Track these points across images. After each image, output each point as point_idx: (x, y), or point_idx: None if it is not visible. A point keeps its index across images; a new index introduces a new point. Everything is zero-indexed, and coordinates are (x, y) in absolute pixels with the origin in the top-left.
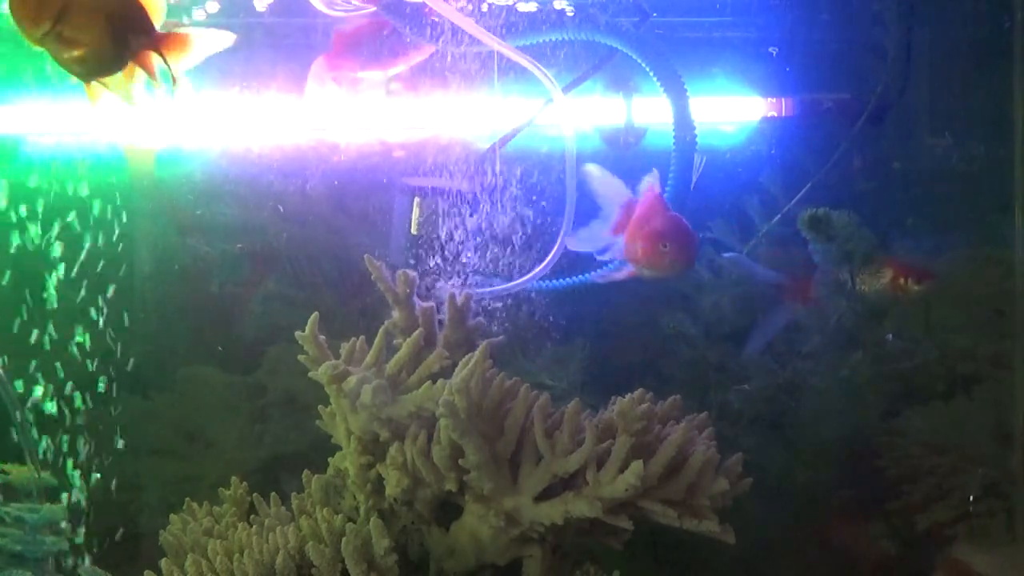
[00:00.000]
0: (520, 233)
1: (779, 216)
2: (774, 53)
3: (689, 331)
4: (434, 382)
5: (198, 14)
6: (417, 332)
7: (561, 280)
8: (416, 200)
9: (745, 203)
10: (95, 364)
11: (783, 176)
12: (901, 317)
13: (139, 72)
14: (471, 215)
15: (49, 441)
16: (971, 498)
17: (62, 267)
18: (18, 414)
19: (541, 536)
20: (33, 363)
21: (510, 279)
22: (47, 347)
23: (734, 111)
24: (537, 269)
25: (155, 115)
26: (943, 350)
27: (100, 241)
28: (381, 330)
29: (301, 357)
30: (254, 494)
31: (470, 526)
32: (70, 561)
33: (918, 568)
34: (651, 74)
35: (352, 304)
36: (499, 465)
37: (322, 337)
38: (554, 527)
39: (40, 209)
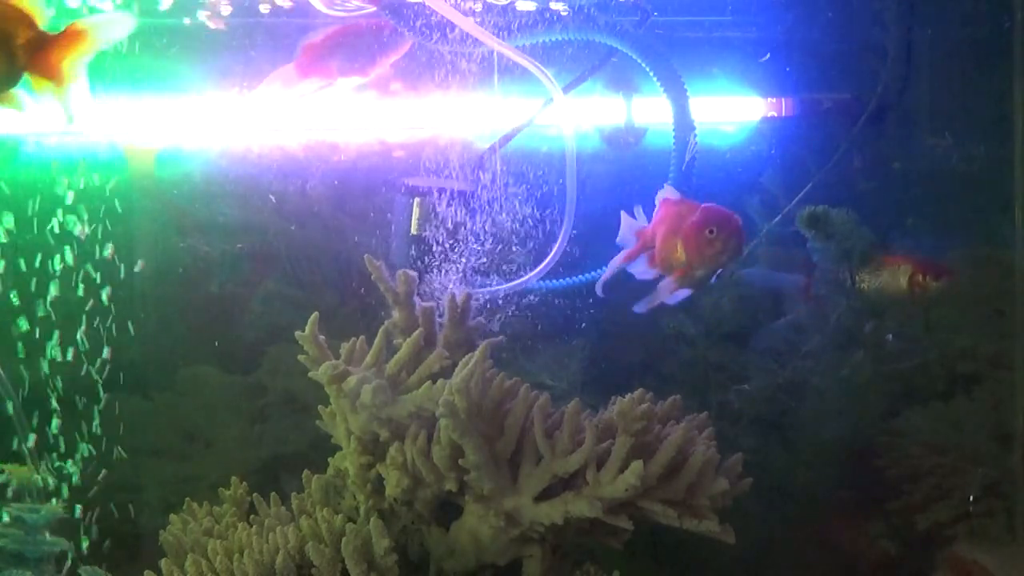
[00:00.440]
0: (520, 233)
1: (780, 216)
2: (766, 57)
3: (689, 331)
4: (434, 382)
5: (202, 15)
6: (417, 332)
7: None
8: (416, 200)
9: (745, 203)
10: (95, 364)
11: (783, 176)
12: (901, 317)
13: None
14: (471, 215)
15: (50, 440)
16: (971, 498)
17: (61, 267)
18: (17, 413)
19: (541, 536)
20: (32, 363)
21: (514, 278)
22: (46, 347)
23: (734, 111)
24: (537, 269)
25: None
26: (943, 350)
27: (100, 241)
28: (381, 330)
29: (301, 357)
30: (254, 494)
31: (470, 526)
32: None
33: (918, 568)
34: (651, 74)
35: (352, 304)
36: (499, 465)
37: (322, 337)
38: (554, 527)
39: (40, 209)
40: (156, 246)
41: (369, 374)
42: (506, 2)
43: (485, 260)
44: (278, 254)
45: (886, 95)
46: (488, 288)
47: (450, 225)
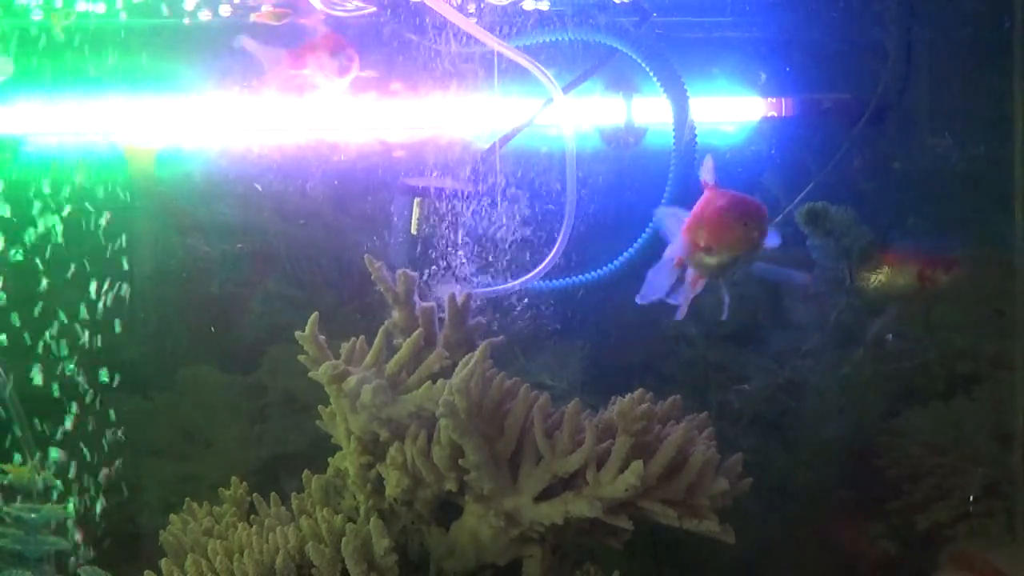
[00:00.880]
0: (521, 233)
1: (780, 216)
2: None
3: (689, 331)
4: (434, 382)
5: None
6: (417, 332)
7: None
8: (416, 200)
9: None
10: (95, 364)
11: (784, 176)
12: (902, 316)
13: None
14: (472, 215)
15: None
16: (971, 498)
17: (62, 267)
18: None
19: (541, 536)
20: (33, 363)
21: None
22: (47, 346)
23: (734, 111)
24: (537, 269)
25: None
26: (943, 350)
27: (100, 241)
28: (381, 330)
29: (301, 357)
30: (254, 494)
31: (470, 526)
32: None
33: (918, 568)
34: (651, 74)
35: (352, 304)
36: (499, 465)
37: (322, 337)
38: (554, 527)
39: (39, 209)
40: (156, 246)
41: (369, 374)
42: (507, 2)
43: (485, 260)
44: (278, 254)
45: (886, 95)
46: (488, 288)
47: (449, 225)
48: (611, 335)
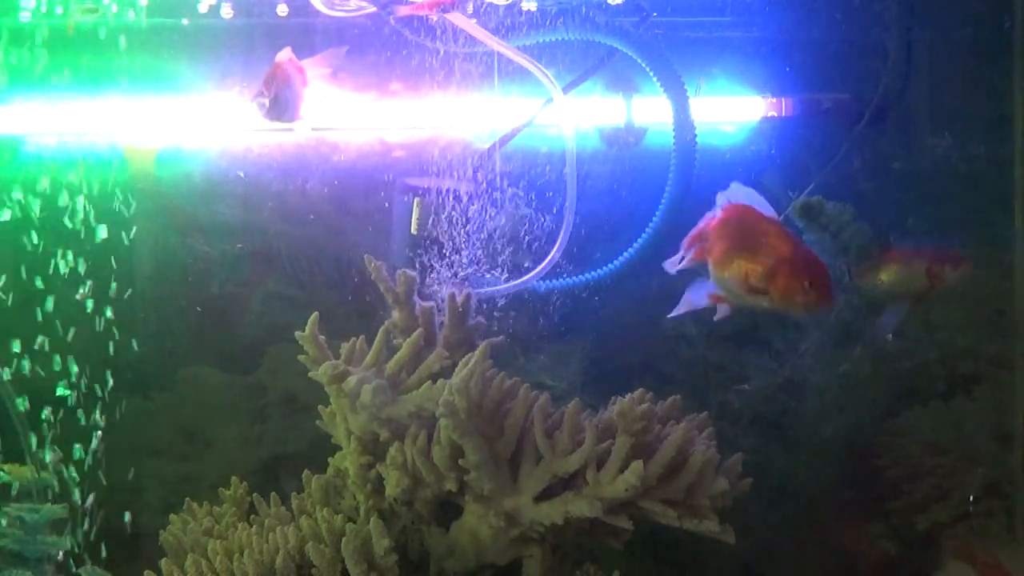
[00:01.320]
0: (521, 232)
1: (781, 217)
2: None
3: (690, 331)
4: (434, 382)
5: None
6: (417, 332)
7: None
8: (416, 200)
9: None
10: (95, 364)
11: (784, 176)
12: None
13: None
14: (471, 214)
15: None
16: (971, 498)
17: (62, 266)
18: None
19: (541, 536)
20: (31, 363)
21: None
22: (47, 346)
23: (734, 111)
24: (537, 269)
25: None
26: (943, 350)
27: (100, 241)
28: (381, 330)
29: (301, 357)
30: (254, 494)
31: (470, 526)
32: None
33: (918, 568)
34: (651, 74)
35: (352, 304)
36: (499, 465)
37: (322, 337)
38: (554, 527)
39: (39, 209)
40: (156, 246)
41: (369, 374)
42: (508, 2)
43: (485, 260)
44: (278, 254)
45: (886, 95)
46: (488, 288)
47: (449, 225)
48: (611, 335)
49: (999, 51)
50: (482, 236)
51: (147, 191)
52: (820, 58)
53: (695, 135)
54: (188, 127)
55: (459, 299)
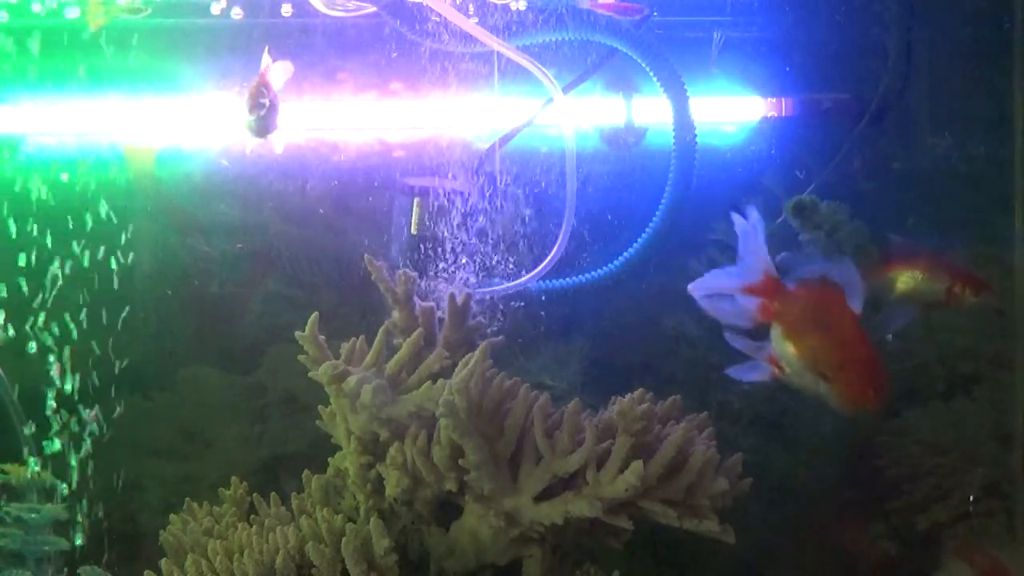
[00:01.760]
0: (520, 233)
1: (782, 217)
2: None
3: (690, 331)
4: (434, 382)
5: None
6: (417, 332)
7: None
8: (416, 200)
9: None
10: (94, 364)
11: (784, 177)
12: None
13: None
14: (471, 214)
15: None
16: (971, 498)
17: (61, 266)
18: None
19: (541, 536)
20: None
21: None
22: (46, 346)
23: (734, 111)
24: (537, 269)
25: None
26: (943, 350)
27: (100, 241)
28: (381, 330)
29: (301, 357)
30: (254, 494)
31: (470, 526)
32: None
33: (918, 568)
34: (651, 74)
35: (352, 304)
36: (499, 465)
37: (322, 337)
38: (554, 527)
39: (39, 209)
40: (156, 246)
41: (369, 374)
42: (503, 1)
43: (485, 260)
44: (278, 254)
45: (887, 95)
46: (488, 288)
47: (448, 224)
48: (611, 335)
49: (999, 51)
50: (482, 236)
51: (147, 191)
52: (820, 58)
53: (695, 135)
54: (188, 127)
55: (459, 299)
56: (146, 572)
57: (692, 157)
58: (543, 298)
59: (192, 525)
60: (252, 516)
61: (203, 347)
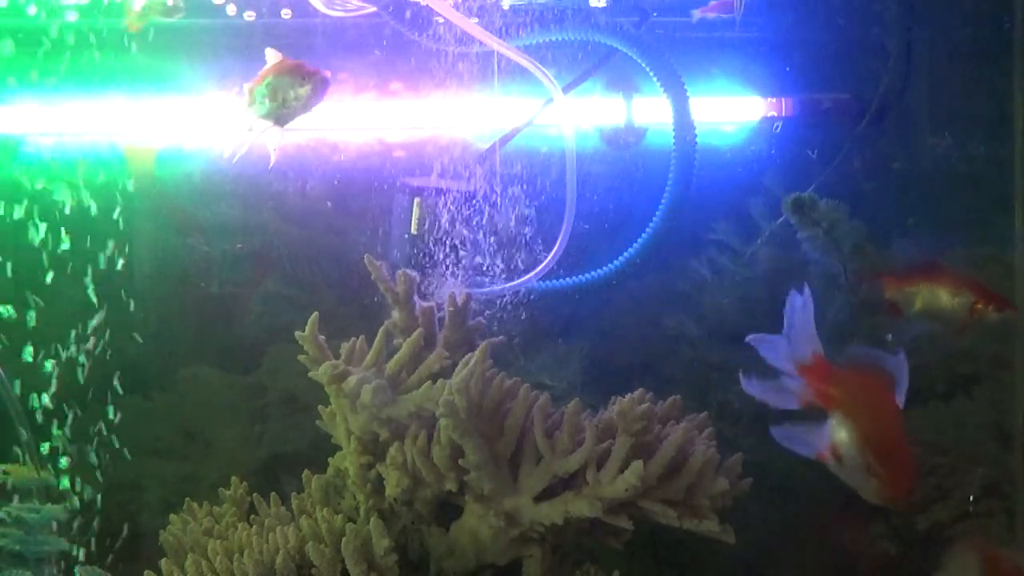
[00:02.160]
0: (520, 233)
1: (783, 218)
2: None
3: (690, 331)
4: (434, 382)
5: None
6: (417, 332)
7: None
8: (416, 200)
9: (749, 204)
10: (94, 364)
11: (785, 177)
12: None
13: None
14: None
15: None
16: (971, 498)
17: (62, 267)
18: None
19: (541, 536)
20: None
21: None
22: (46, 346)
23: (734, 111)
24: (537, 269)
25: None
26: (943, 350)
27: (100, 241)
28: (381, 330)
29: (301, 357)
30: (254, 494)
31: (470, 526)
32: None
33: (918, 568)
34: (651, 74)
35: (352, 304)
36: (499, 465)
37: (322, 337)
38: (554, 527)
39: (39, 209)
40: (156, 246)
41: (369, 374)
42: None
43: (485, 260)
44: (278, 254)
45: (887, 95)
46: (488, 288)
47: (448, 225)
48: (611, 335)
49: (999, 51)
50: (482, 236)
51: (147, 191)
52: (820, 58)
53: (695, 135)
54: (188, 127)
55: (459, 299)
56: (146, 572)
57: (692, 157)
58: (536, 297)
59: (192, 525)
60: (252, 516)
61: (203, 347)
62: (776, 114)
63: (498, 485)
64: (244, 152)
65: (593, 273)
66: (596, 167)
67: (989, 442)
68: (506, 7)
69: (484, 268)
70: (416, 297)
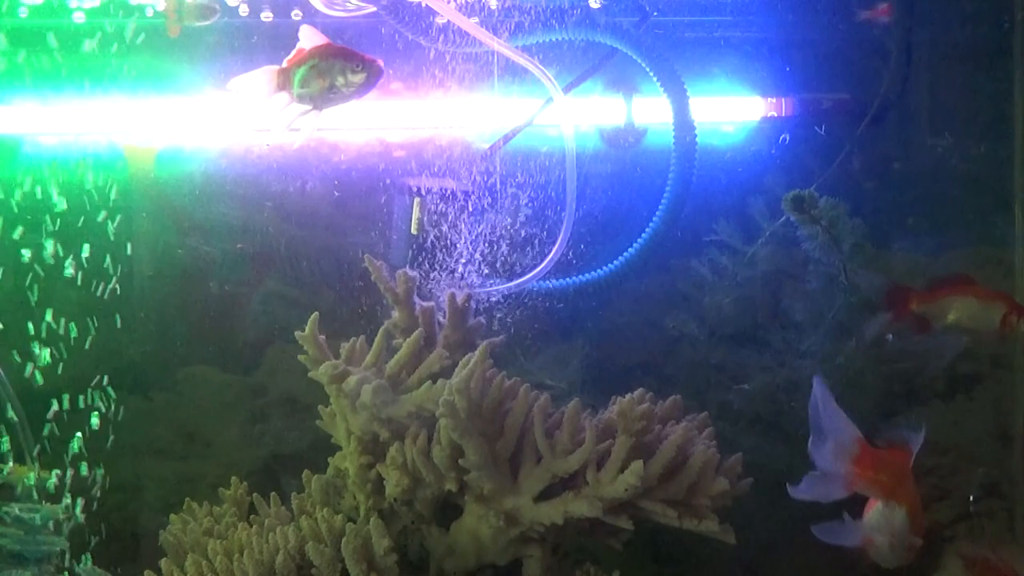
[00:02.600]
0: (521, 232)
1: (784, 218)
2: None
3: (691, 331)
4: (434, 382)
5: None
6: (417, 332)
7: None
8: (416, 200)
9: (749, 204)
10: (95, 364)
11: (786, 177)
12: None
13: None
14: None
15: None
16: (971, 498)
17: (62, 267)
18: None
19: (541, 536)
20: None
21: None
22: (46, 346)
23: (734, 111)
24: (537, 269)
25: None
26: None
27: (100, 241)
28: (381, 330)
29: (301, 357)
30: (254, 494)
31: (470, 526)
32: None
33: (918, 568)
34: (651, 74)
35: (352, 304)
36: (499, 465)
37: (322, 337)
38: (554, 527)
39: (39, 209)
40: (156, 246)
41: (369, 374)
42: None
43: (485, 261)
44: (278, 254)
45: (887, 95)
46: (487, 288)
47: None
48: (611, 335)
49: (999, 51)
50: (482, 236)
51: (147, 191)
52: (820, 58)
53: (695, 135)
54: (188, 127)
55: (459, 299)
56: (146, 572)
57: (692, 157)
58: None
59: (192, 525)
60: (252, 516)
61: (203, 347)
62: (776, 114)
63: (498, 485)
64: (301, 141)
65: (593, 273)
66: (596, 167)
67: (989, 442)
68: (493, 6)
69: (484, 268)
70: (416, 297)
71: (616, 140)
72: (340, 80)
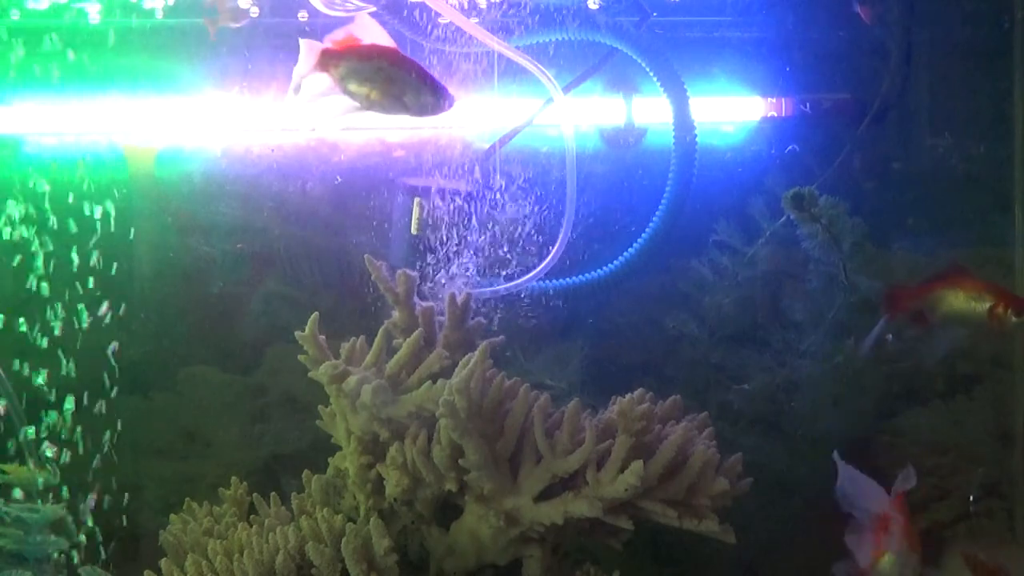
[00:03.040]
0: (520, 233)
1: (784, 218)
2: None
3: (691, 331)
4: (434, 382)
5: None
6: (417, 332)
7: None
8: (416, 200)
9: (749, 204)
10: (94, 364)
11: (786, 177)
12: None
13: None
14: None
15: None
16: (971, 498)
17: (58, 266)
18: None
19: (541, 536)
20: (31, 362)
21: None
22: (46, 346)
23: (734, 111)
24: (537, 269)
25: None
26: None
27: (100, 241)
28: (381, 330)
29: (301, 357)
30: (254, 494)
31: (470, 526)
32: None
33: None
34: (651, 74)
35: (352, 304)
36: (499, 465)
37: (322, 337)
38: (554, 527)
39: (40, 209)
40: (156, 246)
41: (369, 374)
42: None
43: (484, 260)
44: (278, 254)
45: (887, 95)
46: (487, 288)
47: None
48: (611, 335)
49: (999, 51)
50: (482, 236)
51: (147, 191)
52: (820, 58)
53: (695, 135)
54: (188, 127)
55: (459, 299)
56: (146, 572)
57: (692, 157)
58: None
59: (192, 525)
60: (252, 516)
61: (203, 347)
62: (776, 114)
63: (498, 485)
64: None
65: (593, 273)
66: (596, 167)
67: (989, 442)
68: (483, 5)
69: (483, 267)
70: (416, 297)
71: (616, 140)
72: (410, 97)
